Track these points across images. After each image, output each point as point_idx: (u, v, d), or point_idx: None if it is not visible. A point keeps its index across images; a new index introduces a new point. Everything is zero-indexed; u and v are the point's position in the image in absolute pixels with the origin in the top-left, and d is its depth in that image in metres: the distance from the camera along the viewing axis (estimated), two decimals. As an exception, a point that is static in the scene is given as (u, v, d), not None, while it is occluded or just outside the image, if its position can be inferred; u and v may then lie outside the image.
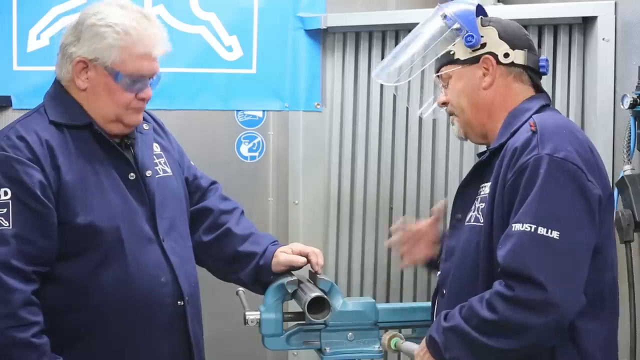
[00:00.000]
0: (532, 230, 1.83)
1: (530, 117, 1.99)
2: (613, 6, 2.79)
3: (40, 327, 2.03)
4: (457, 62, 2.08)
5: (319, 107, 3.34)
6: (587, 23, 2.91)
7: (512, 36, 2.07)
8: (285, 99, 3.32)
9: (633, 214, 2.56)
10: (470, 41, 2.05)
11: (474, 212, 2.02)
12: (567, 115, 2.95)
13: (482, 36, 2.06)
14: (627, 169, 2.63)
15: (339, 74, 3.29)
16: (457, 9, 2.11)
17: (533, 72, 2.09)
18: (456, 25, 2.07)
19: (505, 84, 2.06)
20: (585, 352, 1.89)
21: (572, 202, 1.85)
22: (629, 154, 2.63)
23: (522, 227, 1.84)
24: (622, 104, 2.58)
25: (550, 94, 2.95)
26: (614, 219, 2.61)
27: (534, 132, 1.91)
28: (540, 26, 2.97)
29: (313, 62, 3.32)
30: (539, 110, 2.03)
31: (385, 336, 2.20)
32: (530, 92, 2.09)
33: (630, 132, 2.62)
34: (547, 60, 2.11)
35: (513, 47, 2.05)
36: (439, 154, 3.15)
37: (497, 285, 1.86)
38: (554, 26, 2.96)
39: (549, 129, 1.91)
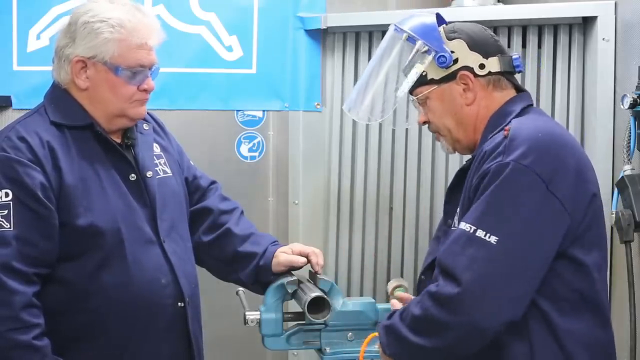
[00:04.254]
0: (471, 231, 1.81)
1: (510, 121, 1.96)
2: (613, 6, 2.79)
3: (41, 329, 2.03)
4: (431, 82, 2.02)
5: (319, 107, 3.34)
6: (587, 23, 2.91)
7: (481, 44, 2.01)
8: (285, 99, 3.32)
9: (633, 214, 2.56)
10: (443, 62, 1.99)
11: (457, 216, 2.01)
12: (567, 115, 2.95)
13: (452, 52, 2.00)
14: (627, 169, 2.63)
15: (339, 74, 3.29)
16: (419, 27, 2.04)
17: (509, 74, 2.05)
18: (424, 48, 2.00)
19: (486, 95, 2.02)
20: (569, 352, 1.87)
21: (521, 211, 1.80)
22: (629, 154, 2.63)
23: (464, 226, 1.83)
24: (622, 104, 2.58)
25: (550, 94, 2.98)
26: (614, 219, 2.61)
27: (505, 137, 1.89)
28: (540, 26, 2.97)
29: (313, 62, 3.32)
30: (521, 112, 2.00)
31: (392, 283, 2.15)
32: (511, 94, 2.05)
33: (630, 132, 2.62)
34: (519, 57, 2.06)
35: (486, 56, 2.00)
36: (439, 154, 3.15)
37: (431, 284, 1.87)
38: (554, 26, 2.96)
39: (522, 135, 1.86)
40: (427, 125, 2.12)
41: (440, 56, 1.99)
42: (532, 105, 2.06)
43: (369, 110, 2.18)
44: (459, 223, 1.90)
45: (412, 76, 2.03)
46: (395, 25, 2.08)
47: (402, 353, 1.90)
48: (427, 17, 2.09)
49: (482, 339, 1.82)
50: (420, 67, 2.01)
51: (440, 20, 2.10)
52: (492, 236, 1.79)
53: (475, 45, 2.00)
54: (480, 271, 1.79)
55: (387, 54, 2.12)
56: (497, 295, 1.79)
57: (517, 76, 2.98)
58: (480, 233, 1.80)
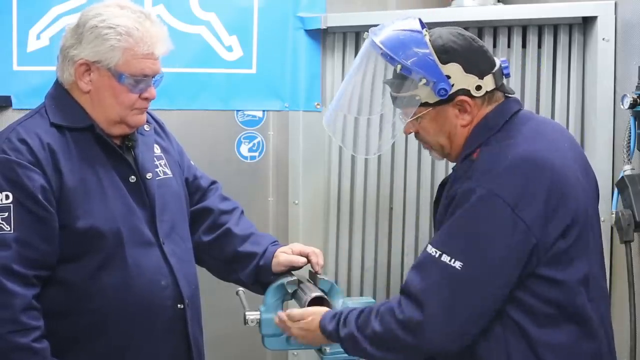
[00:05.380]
0: (437, 255, 1.84)
1: (489, 138, 1.93)
2: (613, 6, 2.79)
3: (40, 331, 2.03)
4: (425, 104, 1.95)
5: (319, 107, 3.34)
6: (587, 23, 2.91)
7: (475, 63, 1.94)
8: (285, 99, 3.32)
9: (633, 214, 2.56)
10: (444, 94, 1.92)
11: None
12: (567, 115, 2.95)
13: (448, 76, 1.92)
14: (627, 169, 2.63)
15: (339, 74, 3.29)
16: (411, 56, 1.92)
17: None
18: (423, 81, 1.91)
19: (481, 113, 1.98)
20: None
21: (487, 237, 1.81)
22: (629, 154, 2.63)
23: (431, 249, 1.86)
24: (622, 104, 2.58)
25: (550, 94, 2.98)
26: (614, 219, 2.61)
27: (473, 161, 1.89)
28: (540, 26, 2.97)
29: (313, 62, 3.32)
30: (504, 125, 1.95)
31: None
32: (500, 101, 2.01)
33: (630, 132, 2.62)
34: (507, 60, 2.02)
35: (481, 76, 1.94)
36: (439, 154, 3.15)
37: (394, 300, 1.91)
38: (554, 26, 2.96)
39: (490, 158, 1.87)
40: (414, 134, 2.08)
41: (440, 89, 1.92)
42: (519, 110, 2.01)
43: (362, 143, 2.17)
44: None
45: (407, 102, 1.96)
46: (382, 50, 1.96)
47: (359, 355, 1.97)
48: (412, 34, 1.97)
49: (441, 356, 1.89)
50: (414, 92, 1.94)
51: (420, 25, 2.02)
52: (456, 261, 1.81)
53: (471, 66, 1.94)
54: (445, 297, 1.82)
55: (368, 72, 2.05)
56: (459, 321, 1.83)
57: (518, 76, 3.01)
58: (445, 258, 1.83)
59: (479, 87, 1.95)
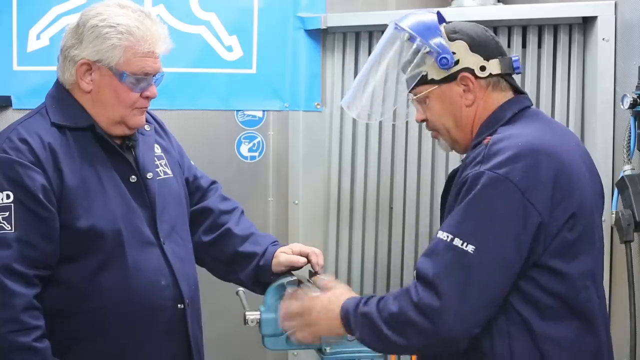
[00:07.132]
0: (449, 240, 1.83)
1: (496, 129, 1.95)
2: (613, 6, 2.79)
3: (41, 331, 2.03)
4: (432, 82, 2.02)
5: (319, 107, 3.34)
6: (587, 23, 2.91)
7: (482, 46, 2.01)
8: (285, 99, 3.32)
9: (633, 214, 2.56)
10: (445, 64, 1.98)
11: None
12: (567, 115, 2.95)
13: (453, 53, 1.99)
14: (627, 169, 2.63)
15: (339, 74, 3.29)
16: (420, 27, 2.03)
17: (509, 75, 2.05)
18: (426, 49, 1.99)
19: (485, 97, 2.01)
20: (549, 356, 1.87)
21: (498, 220, 1.81)
22: (629, 154, 2.63)
23: (442, 234, 1.85)
24: (622, 104, 2.58)
25: (550, 94, 2.98)
26: (614, 219, 2.62)
27: (485, 147, 1.90)
28: (540, 26, 2.98)
29: (313, 62, 3.32)
30: (513, 117, 1.98)
31: None
32: (508, 96, 2.04)
33: (630, 132, 2.63)
34: (519, 58, 2.06)
35: (487, 58, 2.00)
36: (439, 154, 3.15)
37: (411, 285, 1.90)
38: (554, 26, 2.96)
39: (501, 145, 1.87)
40: (425, 122, 2.12)
41: (442, 58, 1.98)
42: (529, 107, 2.05)
43: (368, 109, 2.19)
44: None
45: (413, 78, 2.03)
46: (396, 24, 2.08)
47: (372, 340, 1.92)
48: (428, 15, 2.09)
49: (454, 345, 1.86)
50: (421, 68, 2.02)
51: (440, 19, 2.10)
52: (469, 245, 1.81)
53: (476, 46, 2.00)
54: (458, 281, 1.81)
55: (386, 52, 2.11)
56: (474, 304, 1.82)
57: (518, 76, 3.01)
58: (457, 242, 1.82)
59: (483, 68, 2.00)
